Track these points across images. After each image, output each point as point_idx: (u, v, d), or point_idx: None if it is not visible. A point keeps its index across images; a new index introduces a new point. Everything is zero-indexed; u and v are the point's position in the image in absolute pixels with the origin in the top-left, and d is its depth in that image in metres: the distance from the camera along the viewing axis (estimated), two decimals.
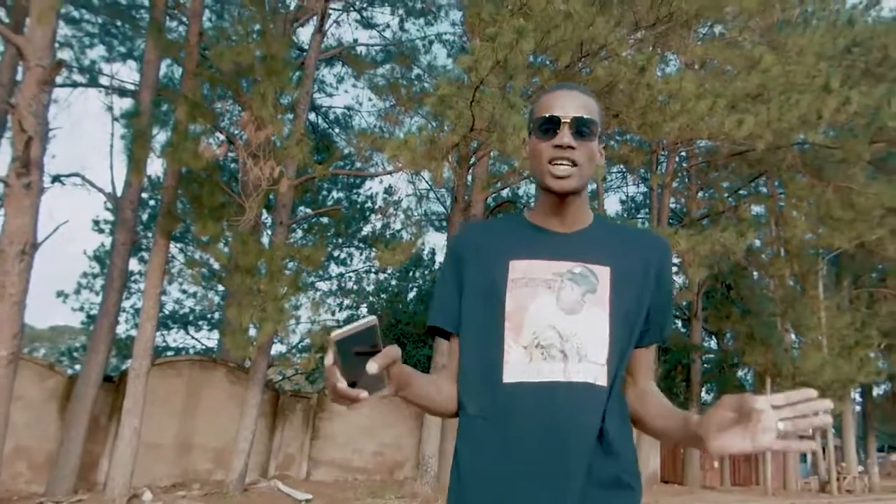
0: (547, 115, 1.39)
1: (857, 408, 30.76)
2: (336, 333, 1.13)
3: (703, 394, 24.60)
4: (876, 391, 29.76)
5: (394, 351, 1.16)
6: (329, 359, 1.14)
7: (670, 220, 23.04)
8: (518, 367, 1.33)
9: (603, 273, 1.39)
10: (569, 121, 1.37)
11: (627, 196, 28.54)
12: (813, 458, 22.74)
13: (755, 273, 22.10)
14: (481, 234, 1.52)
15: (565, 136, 1.36)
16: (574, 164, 1.37)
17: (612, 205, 42.22)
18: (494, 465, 1.32)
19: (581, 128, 1.38)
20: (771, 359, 18.54)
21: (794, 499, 18.60)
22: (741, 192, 22.86)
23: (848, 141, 15.08)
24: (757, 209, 22.51)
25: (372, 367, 1.12)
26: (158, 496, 10.82)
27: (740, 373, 23.18)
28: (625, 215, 27.48)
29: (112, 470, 10.45)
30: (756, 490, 20.98)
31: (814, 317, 19.52)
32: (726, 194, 22.81)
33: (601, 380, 1.33)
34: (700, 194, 22.93)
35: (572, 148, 1.37)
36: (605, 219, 1.54)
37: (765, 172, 19.83)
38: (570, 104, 1.39)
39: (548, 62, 12.60)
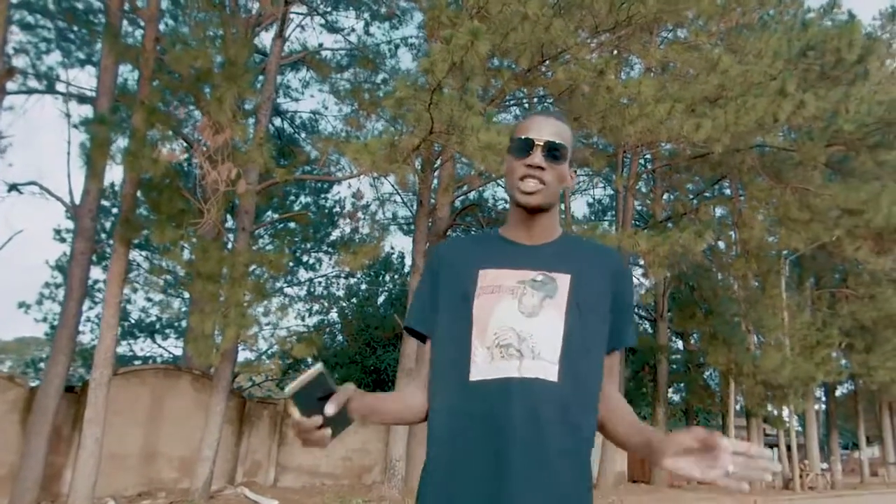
0: (522, 137, 1.54)
1: (823, 406, 31.35)
2: (290, 388, 1.25)
3: (670, 393, 24.87)
4: (839, 390, 30.27)
5: (347, 390, 1.31)
6: (296, 414, 1.25)
7: (637, 222, 23.29)
8: (482, 366, 1.44)
9: (563, 280, 1.51)
10: (542, 144, 1.51)
11: (594, 199, 28.80)
12: (778, 455, 23.08)
13: (719, 274, 22.38)
14: (457, 248, 1.66)
15: (537, 157, 1.51)
16: (542, 182, 1.51)
17: (579, 207, 42.53)
18: (452, 454, 1.44)
19: (552, 151, 1.52)
20: (733, 358, 18.79)
21: (758, 496, 18.86)
22: (706, 194, 23.20)
23: (805, 144, 15.38)
24: (721, 211, 22.88)
25: (329, 409, 1.26)
26: None
27: (706, 373, 23.44)
28: (592, 217, 27.72)
29: (75, 480, 10.28)
30: (722, 488, 21.22)
31: (776, 317, 19.83)
32: (691, 196, 23.12)
33: (552, 376, 1.42)
34: (665, 196, 23.22)
35: (542, 169, 1.51)
36: (571, 234, 1.68)
37: (726, 175, 20.15)
38: (544, 129, 1.54)
39: (510, 65, 12.69)
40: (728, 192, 22.63)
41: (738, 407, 22.71)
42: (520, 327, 1.45)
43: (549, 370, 1.43)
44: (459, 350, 1.48)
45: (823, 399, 30.87)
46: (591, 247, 1.63)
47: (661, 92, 11.84)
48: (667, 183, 22.45)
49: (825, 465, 26.65)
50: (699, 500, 17.22)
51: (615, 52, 13.47)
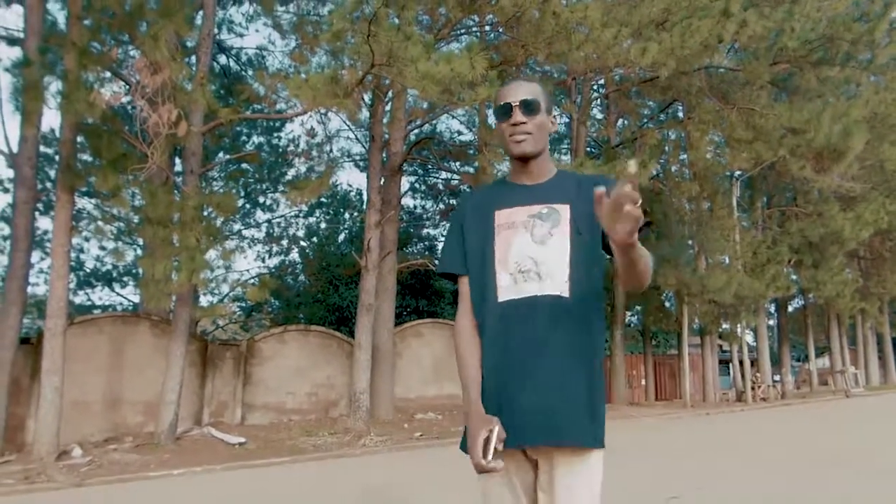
0: (502, 103, 1.87)
1: (775, 320, 32.49)
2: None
3: (627, 316, 25.51)
4: (791, 305, 31.33)
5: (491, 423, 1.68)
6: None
7: (591, 149, 23.39)
8: (507, 288, 1.81)
9: (564, 210, 1.85)
10: (517, 104, 1.84)
11: None
12: (733, 370, 23.99)
13: (672, 197, 22.72)
14: (476, 196, 2.04)
15: (517, 115, 1.84)
16: (527, 133, 1.84)
17: None
18: (497, 363, 1.78)
19: (527, 106, 1.84)
20: (682, 279, 19.26)
21: (711, 409, 19.69)
22: (660, 117, 23.29)
23: (750, 63, 15.46)
24: (675, 134, 23.04)
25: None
26: (89, 451, 10.75)
27: (662, 294, 24.02)
28: (549, 147, 27.67)
29: (37, 430, 10.31)
30: (677, 403, 22.10)
31: (724, 237, 20.28)
32: (645, 120, 23.20)
33: (566, 292, 1.78)
34: (620, 122, 23.27)
35: (524, 123, 1.84)
36: (566, 170, 2.04)
37: (677, 99, 20.23)
38: (518, 91, 1.86)
39: None
40: (681, 115, 22.78)
41: (694, 326, 23.41)
42: (535, 254, 1.80)
43: (563, 288, 1.77)
44: (487, 279, 1.84)
45: (775, 314, 32.00)
46: (583, 177, 1.95)
47: (608, 16, 11.76)
48: (620, 108, 22.48)
49: (777, 377, 27.81)
50: (657, 415, 17.93)
51: None
